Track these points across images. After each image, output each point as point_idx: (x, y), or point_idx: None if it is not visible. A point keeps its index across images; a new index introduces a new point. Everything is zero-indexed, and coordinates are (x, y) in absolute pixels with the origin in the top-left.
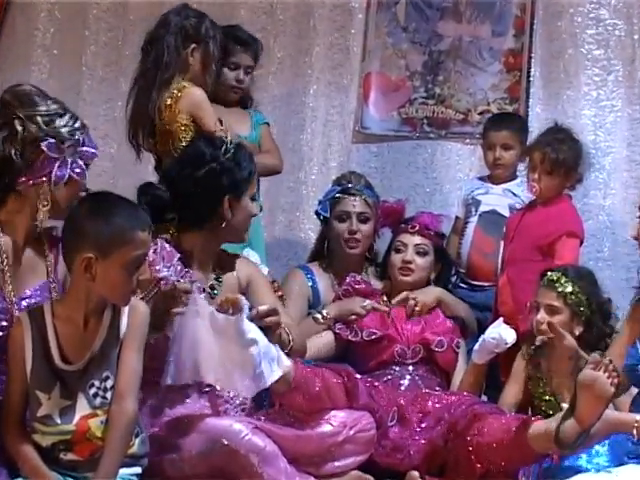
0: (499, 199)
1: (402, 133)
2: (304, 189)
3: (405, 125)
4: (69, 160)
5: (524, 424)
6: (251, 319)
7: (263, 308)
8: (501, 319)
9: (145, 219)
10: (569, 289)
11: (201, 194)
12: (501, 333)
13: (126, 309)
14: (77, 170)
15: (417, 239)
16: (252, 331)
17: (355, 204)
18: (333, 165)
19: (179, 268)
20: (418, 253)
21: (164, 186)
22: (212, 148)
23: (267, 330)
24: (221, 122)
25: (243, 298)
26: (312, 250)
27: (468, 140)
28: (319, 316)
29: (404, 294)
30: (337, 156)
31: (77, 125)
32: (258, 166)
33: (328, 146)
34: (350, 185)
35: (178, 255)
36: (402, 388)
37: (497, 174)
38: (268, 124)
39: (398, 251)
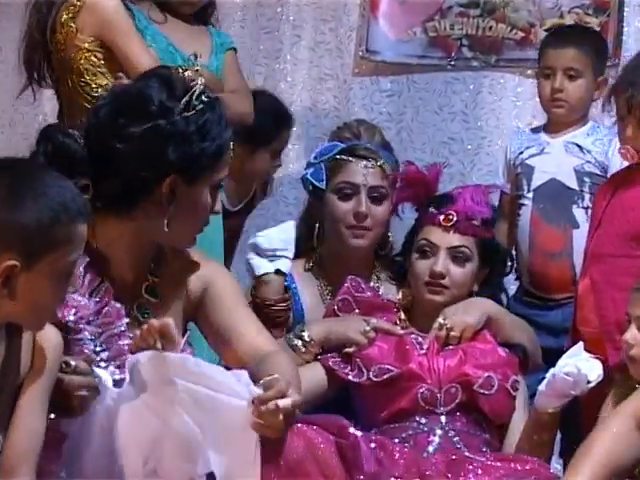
0: (560, 160)
1: (430, 60)
2: None
3: (434, 48)
4: None
5: None
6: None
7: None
8: (580, 344)
9: (84, 202)
10: None
11: (134, 161)
12: (580, 366)
13: (28, 338)
14: None
15: (454, 239)
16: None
17: (367, 173)
18: (323, 109)
19: (86, 282)
20: (455, 260)
21: (81, 136)
22: (167, 95)
23: None
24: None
25: (172, 323)
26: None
27: (531, 71)
28: (299, 342)
29: (436, 326)
30: (330, 96)
31: None
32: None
33: (318, 81)
34: (359, 142)
35: (86, 259)
36: (430, 450)
37: (556, 115)
38: (235, 50)
39: (424, 254)
